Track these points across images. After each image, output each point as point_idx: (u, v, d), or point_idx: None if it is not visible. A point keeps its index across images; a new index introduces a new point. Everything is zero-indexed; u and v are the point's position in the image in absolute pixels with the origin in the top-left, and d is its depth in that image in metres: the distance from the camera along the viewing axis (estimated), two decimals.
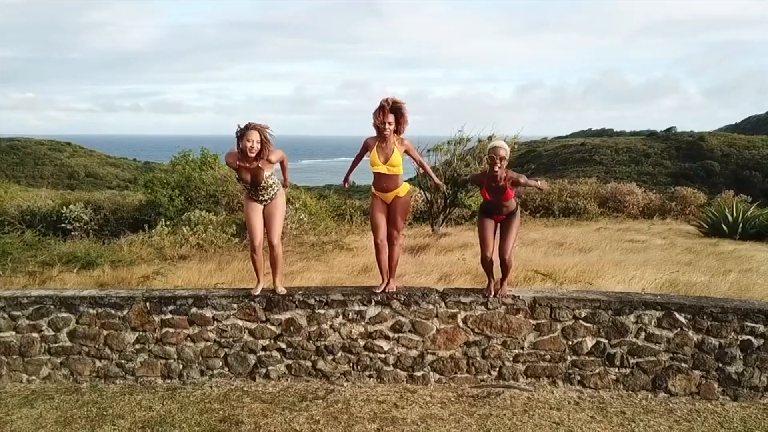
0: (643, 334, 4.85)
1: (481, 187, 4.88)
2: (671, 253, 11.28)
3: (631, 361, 4.88)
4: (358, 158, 5.17)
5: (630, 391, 4.88)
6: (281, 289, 5.21)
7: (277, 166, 5.14)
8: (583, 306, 4.90)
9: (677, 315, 4.80)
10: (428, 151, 15.36)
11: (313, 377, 5.14)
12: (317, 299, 5.10)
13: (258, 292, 5.18)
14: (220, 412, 4.48)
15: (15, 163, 57.67)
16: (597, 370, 4.92)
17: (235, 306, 5.15)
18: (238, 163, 4.95)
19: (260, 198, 5.07)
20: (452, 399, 4.71)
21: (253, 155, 4.85)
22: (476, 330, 4.99)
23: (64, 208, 13.86)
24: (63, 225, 13.21)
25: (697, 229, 15.57)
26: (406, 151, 4.97)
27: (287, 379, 5.14)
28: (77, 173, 57.66)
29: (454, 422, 4.28)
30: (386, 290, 5.05)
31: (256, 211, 5.09)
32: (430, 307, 4.99)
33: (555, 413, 4.48)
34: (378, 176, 4.92)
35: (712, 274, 8.32)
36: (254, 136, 4.84)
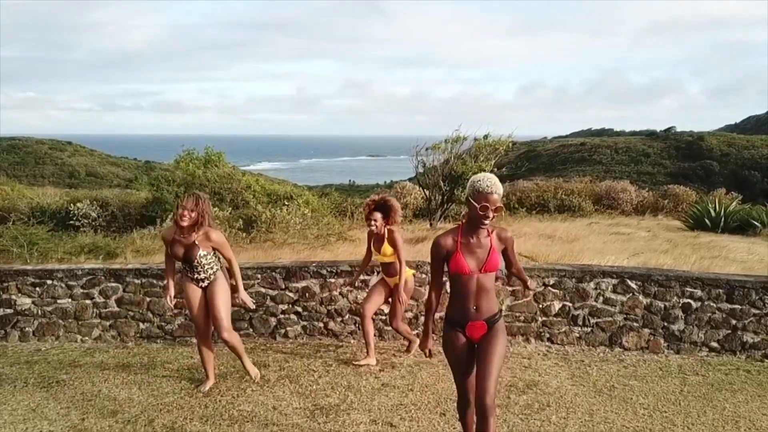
0: (601, 298, 5.79)
1: (453, 250, 3.15)
2: (652, 243, 12.17)
3: (592, 321, 5.81)
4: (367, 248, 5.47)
5: (591, 347, 5.82)
6: (254, 373, 4.94)
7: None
8: (551, 275, 5.84)
9: (629, 282, 5.74)
10: (426, 149, 16.17)
11: (324, 336, 6.09)
12: (328, 270, 6.05)
13: (206, 389, 4.73)
14: (250, 359, 5.43)
15: (16, 162, 58.45)
16: (563, 329, 5.86)
17: (259, 276, 6.11)
18: (173, 235, 4.52)
19: (195, 277, 4.62)
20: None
21: (184, 224, 4.40)
22: None
23: (72, 205, 14.33)
24: (72, 221, 13.65)
25: (683, 223, 16.48)
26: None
27: (303, 338, 6.10)
28: (78, 172, 58.45)
29: (442, 366, 5.22)
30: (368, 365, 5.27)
31: (195, 293, 4.65)
32: (423, 276, 5.93)
33: (525, 361, 5.43)
34: (381, 263, 5.39)
35: (681, 259, 9.24)
36: (189, 203, 4.40)
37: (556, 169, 57.06)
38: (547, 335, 5.88)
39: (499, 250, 3.21)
